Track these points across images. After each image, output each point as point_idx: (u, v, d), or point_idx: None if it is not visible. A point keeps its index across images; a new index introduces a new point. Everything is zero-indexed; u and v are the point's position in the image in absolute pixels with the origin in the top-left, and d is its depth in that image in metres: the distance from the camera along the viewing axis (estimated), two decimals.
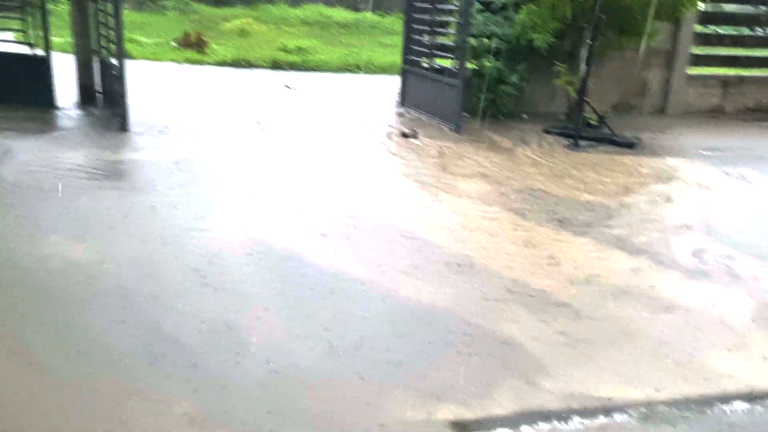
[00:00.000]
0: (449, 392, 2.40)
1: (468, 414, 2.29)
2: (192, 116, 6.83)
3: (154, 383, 2.33)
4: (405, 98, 7.97)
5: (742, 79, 8.80)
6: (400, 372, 2.51)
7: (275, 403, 2.27)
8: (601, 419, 2.31)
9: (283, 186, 4.75)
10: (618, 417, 2.34)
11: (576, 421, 2.30)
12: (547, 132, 6.82)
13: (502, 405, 2.35)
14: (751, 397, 2.49)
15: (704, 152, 6.53)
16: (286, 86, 9.17)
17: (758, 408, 2.44)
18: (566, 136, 6.60)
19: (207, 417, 2.18)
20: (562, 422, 2.28)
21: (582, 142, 6.42)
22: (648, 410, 2.37)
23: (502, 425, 2.25)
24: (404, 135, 6.44)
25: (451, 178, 5.17)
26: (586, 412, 2.34)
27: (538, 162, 5.80)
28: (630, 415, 2.34)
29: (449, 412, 2.29)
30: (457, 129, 6.64)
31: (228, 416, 2.20)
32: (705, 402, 2.44)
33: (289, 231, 3.83)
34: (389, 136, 6.51)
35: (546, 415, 2.31)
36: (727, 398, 2.47)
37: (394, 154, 5.93)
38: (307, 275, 3.26)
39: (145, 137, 5.83)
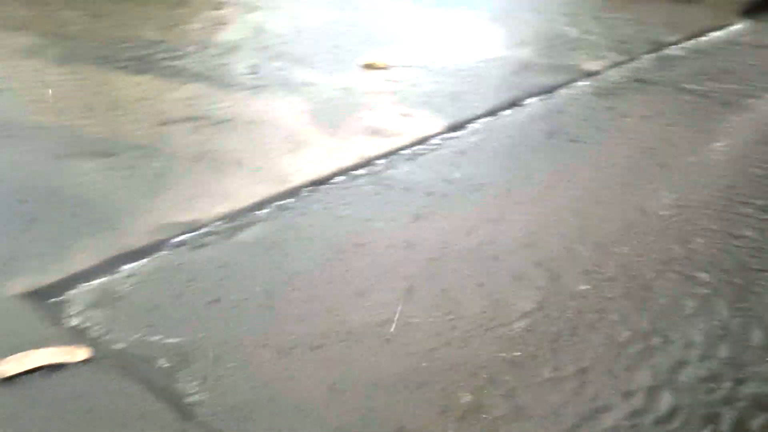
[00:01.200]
0: (19, 265, 2.11)
1: (46, 280, 2.05)
2: None
3: None
4: None
5: None
6: None
7: None
8: (189, 237, 2.33)
9: None
10: (205, 231, 2.38)
11: (170, 246, 2.27)
12: None
13: (83, 260, 2.17)
14: (315, 183, 2.79)
15: None
16: None
17: (318, 195, 2.74)
18: None
19: None
20: (150, 256, 2.23)
21: None
22: (234, 218, 2.47)
23: (87, 278, 2.08)
24: None
25: None
26: (174, 238, 2.32)
27: (77, 4, 5.16)
28: (217, 229, 2.40)
29: (22, 285, 2.02)
30: None
31: None
32: (276, 199, 2.64)
33: None
34: None
35: (132, 255, 2.21)
36: (296, 190, 2.72)
37: None
38: None
39: None
